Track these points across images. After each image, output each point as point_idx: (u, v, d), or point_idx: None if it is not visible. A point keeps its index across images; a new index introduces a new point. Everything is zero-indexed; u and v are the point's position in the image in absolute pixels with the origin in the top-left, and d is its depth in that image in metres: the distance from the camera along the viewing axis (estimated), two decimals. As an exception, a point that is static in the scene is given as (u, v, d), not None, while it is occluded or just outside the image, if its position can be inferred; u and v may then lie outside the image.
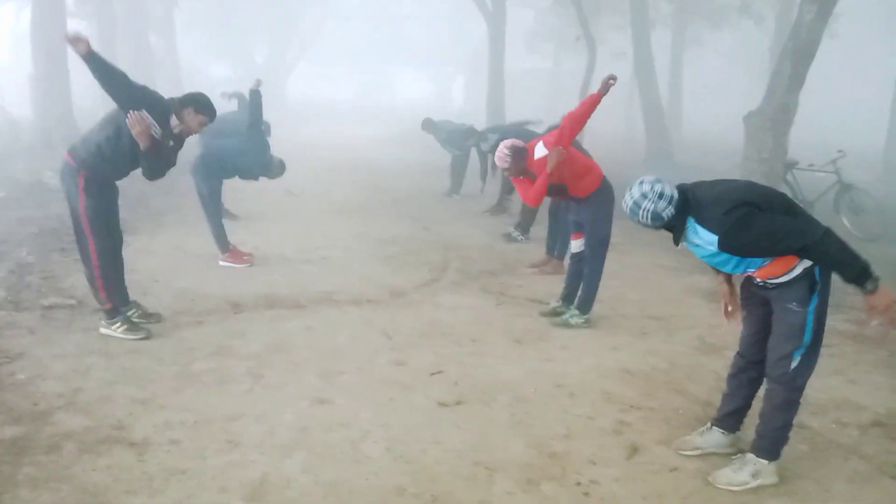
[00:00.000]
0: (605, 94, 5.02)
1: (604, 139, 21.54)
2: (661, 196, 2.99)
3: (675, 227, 3.09)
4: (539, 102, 27.84)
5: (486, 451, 3.46)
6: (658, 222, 3.05)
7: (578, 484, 3.20)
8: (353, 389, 4.11)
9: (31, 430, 3.45)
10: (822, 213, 9.39)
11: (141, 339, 4.71)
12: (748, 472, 3.20)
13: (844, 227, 9.17)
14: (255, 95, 6.82)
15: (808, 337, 3.05)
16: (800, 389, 3.16)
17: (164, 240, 7.62)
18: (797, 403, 3.19)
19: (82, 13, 20.03)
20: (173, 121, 4.63)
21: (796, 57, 8.28)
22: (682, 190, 3.08)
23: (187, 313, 5.31)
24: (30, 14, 13.85)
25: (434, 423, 3.73)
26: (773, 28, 18.00)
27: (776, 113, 8.49)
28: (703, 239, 3.00)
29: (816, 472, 3.36)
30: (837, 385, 4.37)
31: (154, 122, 4.47)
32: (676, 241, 3.17)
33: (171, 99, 4.70)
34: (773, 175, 8.58)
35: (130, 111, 4.36)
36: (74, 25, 19.38)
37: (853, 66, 30.32)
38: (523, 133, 8.57)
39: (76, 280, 5.88)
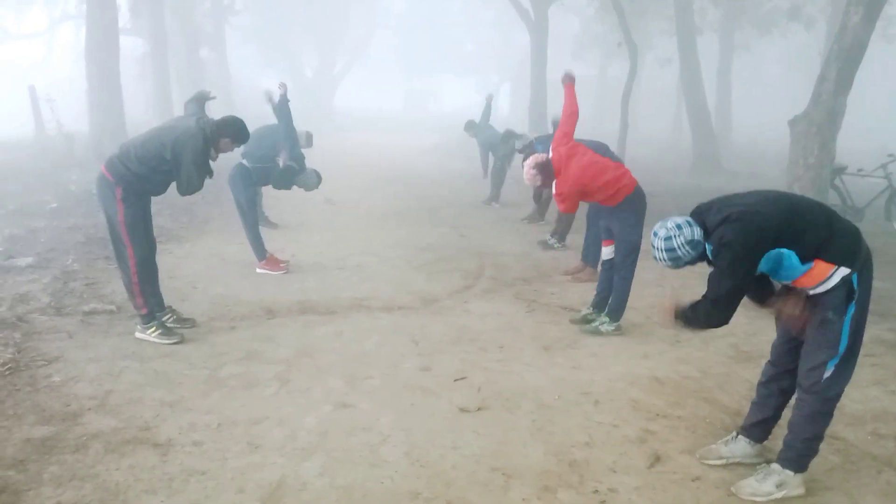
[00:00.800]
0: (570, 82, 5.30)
1: (651, 145, 21.31)
2: (690, 242, 2.95)
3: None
4: (584, 109, 27.61)
5: (504, 457, 3.43)
6: (678, 264, 3.04)
7: (596, 492, 3.14)
8: (376, 394, 4.12)
9: (61, 430, 3.55)
10: (873, 219, 9.10)
11: (174, 343, 4.82)
12: (773, 482, 3.09)
13: (895, 233, 8.85)
14: (282, 103, 6.77)
15: (843, 347, 2.94)
16: (832, 401, 3.04)
17: (205, 247, 7.79)
18: (829, 415, 3.07)
19: (135, 30, 20.71)
20: (212, 152, 4.87)
21: (842, 60, 8.04)
22: (700, 217, 3.02)
23: (221, 318, 5.41)
24: (85, 32, 14.38)
25: (454, 428, 3.72)
26: (825, 31, 17.52)
27: (822, 117, 8.24)
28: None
29: (847, 484, 3.23)
30: (877, 395, 4.20)
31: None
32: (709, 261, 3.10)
33: (205, 123, 4.83)
34: (820, 180, 8.33)
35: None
36: (127, 42, 20.11)
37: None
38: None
39: (117, 286, 6.05)
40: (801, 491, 3.10)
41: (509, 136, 10.20)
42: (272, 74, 38.55)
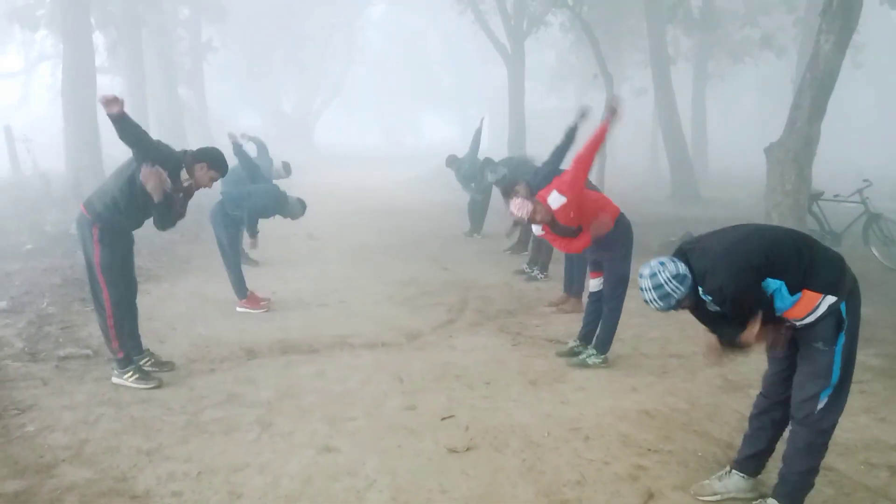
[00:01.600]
0: (611, 122, 4.93)
1: (629, 175, 21.48)
2: (676, 276, 2.91)
3: (696, 298, 3.00)
4: (560, 141, 27.83)
5: (494, 499, 3.34)
6: (684, 301, 2.98)
7: (589, 533, 3.06)
8: (360, 436, 4.02)
9: (35, 484, 3.42)
10: (851, 244, 9.17)
11: (152, 388, 4.69)
12: None
13: (874, 257, 8.92)
14: (237, 149, 7.43)
15: (835, 377, 2.91)
16: (826, 432, 3.00)
17: (185, 287, 7.68)
18: (824, 447, 3.03)
19: (113, 68, 20.67)
20: (183, 174, 4.70)
21: (815, 87, 8.15)
22: (683, 257, 2.99)
23: (201, 361, 5.30)
24: (62, 71, 14.31)
25: (442, 470, 3.63)
26: (796, 59, 17.87)
27: (798, 144, 8.32)
28: (705, 298, 2.94)
29: (843, 518, 3.18)
30: (867, 424, 4.17)
31: (167, 177, 4.53)
32: (700, 306, 3.06)
33: (184, 152, 4.75)
34: (798, 207, 8.39)
35: (144, 165, 4.42)
36: (105, 81, 20.04)
37: (879, 95, 30.02)
38: (529, 167, 8.56)
39: (93, 329, 5.91)
40: None
41: (487, 162, 10.13)
42: (251, 111, 38.73)
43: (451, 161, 11.39)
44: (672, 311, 3.06)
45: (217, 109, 30.29)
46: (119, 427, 4.09)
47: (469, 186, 11.19)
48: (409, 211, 15.04)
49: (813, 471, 3.05)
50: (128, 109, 4.39)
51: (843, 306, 2.87)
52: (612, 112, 4.96)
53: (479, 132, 11.67)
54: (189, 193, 4.81)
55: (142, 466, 3.62)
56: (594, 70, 15.08)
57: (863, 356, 5.32)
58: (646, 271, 2.96)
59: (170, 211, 4.69)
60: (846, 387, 2.96)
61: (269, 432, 4.06)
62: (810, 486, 3.08)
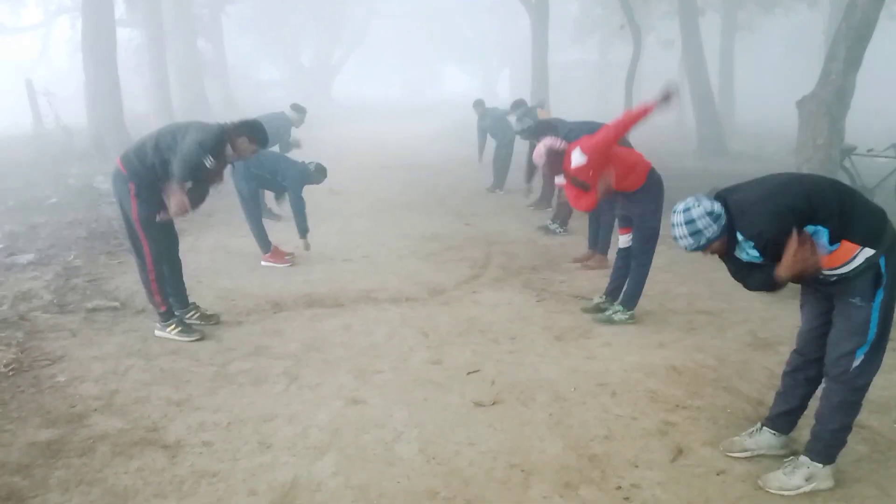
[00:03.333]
0: (659, 106, 4.80)
1: (654, 129, 21.12)
2: (710, 213, 2.81)
3: (728, 243, 2.89)
4: (585, 94, 27.43)
5: (522, 452, 3.34)
6: (715, 242, 2.88)
7: (619, 488, 3.05)
8: (387, 389, 4.03)
9: (67, 433, 3.47)
10: (883, 199, 8.96)
11: (195, 340, 4.74)
12: (801, 475, 3.00)
13: (908, 213, 8.72)
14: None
15: (872, 334, 2.83)
16: (861, 390, 2.93)
17: (209, 240, 7.70)
18: (858, 405, 2.97)
19: (132, 21, 20.51)
20: (228, 150, 4.66)
21: (851, 38, 7.87)
22: (722, 199, 2.89)
23: (228, 313, 5.32)
24: (81, 24, 14.22)
25: (469, 423, 3.63)
26: (829, 10, 17.30)
27: (831, 97, 8.08)
28: (746, 245, 2.83)
29: (876, 475, 3.14)
30: (901, 382, 4.10)
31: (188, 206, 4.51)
32: (732, 255, 2.97)
33: (225, 126, 4.68)
34: (830, 161, 8.18)
35: (172, 184, 4.41)
36: (124, 34, 19.92)
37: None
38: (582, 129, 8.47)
39: (121, 282, 5.98)
40: (830, 484, 3.01)
41: (519, 103, 9.91)
42: (270, 64, 38.45)
43: (479, 104, 11.29)
44: (700, 257, 2.97)
45: (236, 63, 30.09)
46: (148, 378, 4.13)
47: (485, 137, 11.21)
48: (430, 165, 14.92)
49: (846, 428, 3.00)
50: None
51: (882, 260, 2.77)
52: (665, 98, 4.82)
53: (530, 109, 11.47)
54: (227, 162, 4.78)
55: (172, 416, 3.66)
56: (621, 21, 14.69)
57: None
58: (679, 206, 2.87)
59: (204, 194, 4.73)
60: (883, 344, 2.89)
61: (296, 384, 4.08)
62: (843, 443, 3.04)
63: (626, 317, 5.14)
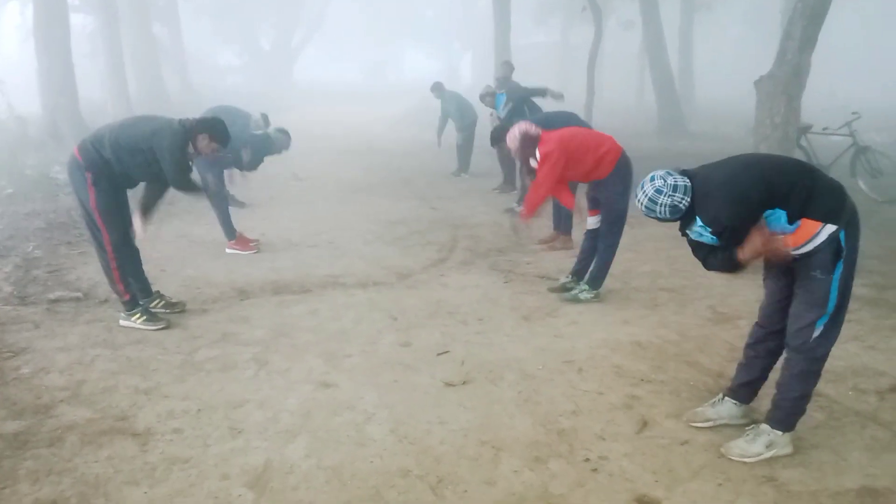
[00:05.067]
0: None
1: (616, 110, 21.32)
2: (675, 188, 2.90)
3: (684, 216, 3.00)
4: (548, 76, 27.46)
5: (492, 429, 3.40)
6: (676, 214, 2.98)
7: (587, 460, 3.13)
8: (357, 372, 4.05)
9: (34, 424, 3.43)
10: (838, 177, 9.17)
11: (160, 328, 4.69)
12: (762, 442, 3.11)
13: (861, 190, 8.98)
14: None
15: (831, 306, 2.93)
16: (821, 360, 3.05)
17: (172, 229, 7.59)
18: (817, 374, 3.08)
19: (84, 6, 19.99)
20: (190, 148, 4.62)
21: (807, 17, 8.02)
22: (690, 176, 2.97)
23: (193, 301, 5.28)
24: (32, 10, 13.83)
25: (439, 403, 3.67)
26: (785, -10, 17.59)
27: (788, 76, 8.23)
28: (701, 228, 2.93)
29: (833, 441, 3.26)
30: (856, 351, 4.25)
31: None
32: (683, 230, 3.07)
33: (186, 121, 4.63)
34: (787, 140, 8.34)
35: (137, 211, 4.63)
36: (77, 20, 19.41)
37: (871, 26, 29.72)
38: (532, 106, 8.61)
39: (82, 272, 5.89)
40: (789, 450, 3.12)
41: (488, 92, 9.90)
42: (228, 48, 37.78)
43: (436, 88, 11.30)
44: (662, 236, 3.07)
45: (193, 48, 29.52)
46: (115, 367, 4.09)
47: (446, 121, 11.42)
48: (394, 149, 14.89)
49: (806, 397, 3.11)
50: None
51: (842, 235, 2.87)
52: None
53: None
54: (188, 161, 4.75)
55: (141, 405, 3.64)
56: (582, 2, 14.76)
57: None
58: (648, 179, 2.96)
59: (161, 193, 4.73)
60: (842, 316, 3.00)
61: (266, 369, 4.08)
62: (802, 411, 3.15)
63: (592, 296, 5.22)
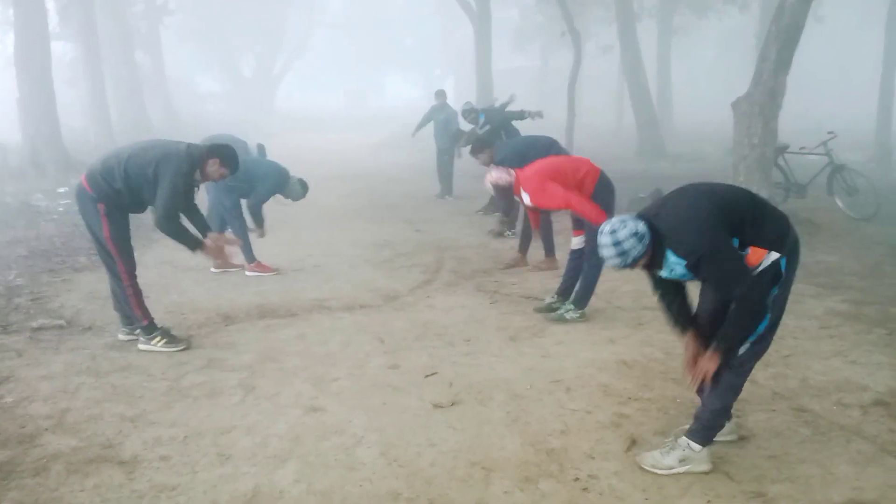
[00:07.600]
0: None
1: (595, 133, 21.55)
2: (635, 234, 2.91)
3: (653, 258, 3.02)
4: (529, 100, 27.71)
5: (481, 450, 3.40)
6: (641, 260, 2.99)
7: (577, 479, 3.13)
8: (345, 395, 4.04)
9: (18, 454, 3.38)
10: (815, 196, 9.37)
11: (182, 349, 4.73)
12: (676, 456, 3.14)
13: (838, 208, 9.13)
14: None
15: (762, 326, 3.02)
16: (745, 374, 3.13)
17: (155, 256, 7.56)
18: (739, 389, 3.16)
19: (65, 34, 19.99)
20: (197, 175, 4.67)
21: (781, 40, 8.21)
22: (647, 219, 3.00)
23: (178, 327, 5.23)
24: (13, 37, 13.82)
25: (429, 425, 3.67)
26: (759, 13, 17.97)
27: (764, 98, 8.41)
28: (675, 262, 2.97)
29: (818, 455, 3.29)
30: (838, 366, 4.31)
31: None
32: (656, 270, 3.10)
33: (195, 147, 4.67)
34: (765, 160, 8.50)
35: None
36: (58, 47, 19.38)
37: (841, 49, 30.35)
38: (509, 129, 8.75)
39: (66, 300, 5.85)
40: (705, 468, 3.14)
41: (468, 111, 9.96)
42: (210, 75, 37.86)
43: (440, 95, 11.68)
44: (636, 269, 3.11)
45: (175, 74, 29.55)
46: (100, 395, 4.05)
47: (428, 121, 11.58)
48: (378, 174, 14.95)
49: (725, 410, 3.18)
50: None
51: (783, 262, 2.96)
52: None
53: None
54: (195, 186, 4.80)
55: (127, 433, 3.60)
56: (562, 28, 14.98)
57: (831, 303, 5.52)
58: (606, 228, 2.99)
59: (177, 203, 4.69)
60: (770, 336, 3.08)
61: (253, 395, 4.06)
62: (720, 426, 3.21)
63: (577, 315, 5.26)
